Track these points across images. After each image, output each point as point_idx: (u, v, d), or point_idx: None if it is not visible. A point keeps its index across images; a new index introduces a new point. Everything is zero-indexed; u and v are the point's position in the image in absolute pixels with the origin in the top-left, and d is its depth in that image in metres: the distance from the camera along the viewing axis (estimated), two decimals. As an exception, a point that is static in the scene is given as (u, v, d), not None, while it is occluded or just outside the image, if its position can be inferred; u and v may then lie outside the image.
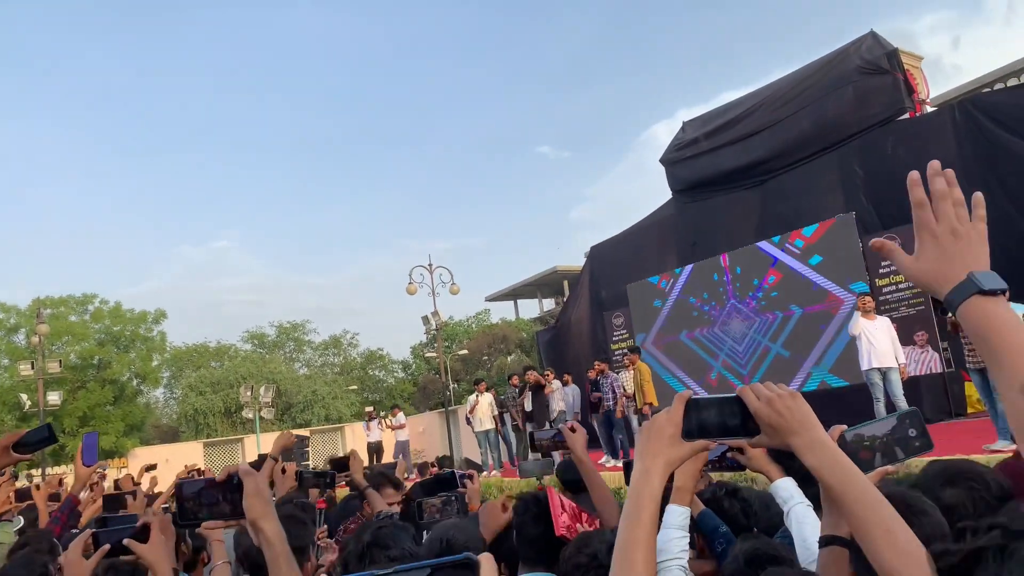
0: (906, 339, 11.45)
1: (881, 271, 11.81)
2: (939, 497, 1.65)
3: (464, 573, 0.75)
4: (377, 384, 46.21)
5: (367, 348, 47.48)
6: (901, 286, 11.57)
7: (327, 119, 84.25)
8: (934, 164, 1.09)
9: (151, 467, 6.07)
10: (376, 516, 3.95)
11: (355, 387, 41.11)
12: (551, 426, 13.04)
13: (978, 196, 1.09)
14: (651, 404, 11.50)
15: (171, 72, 72.01)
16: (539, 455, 3.88)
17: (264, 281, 77.17)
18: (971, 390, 10.46)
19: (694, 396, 1.24)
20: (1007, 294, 1.00)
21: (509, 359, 37.43)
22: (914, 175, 1.09)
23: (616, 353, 16.59)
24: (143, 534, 1.95)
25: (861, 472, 1.13)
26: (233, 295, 74.34)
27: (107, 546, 1.96)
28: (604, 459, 11.94)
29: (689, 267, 15.52)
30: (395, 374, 47.63)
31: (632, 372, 12.14)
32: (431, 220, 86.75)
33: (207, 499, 1.64)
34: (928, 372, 11.08)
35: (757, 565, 1.74)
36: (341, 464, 5.11)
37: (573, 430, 3.03)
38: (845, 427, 1.33)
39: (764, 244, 13.84)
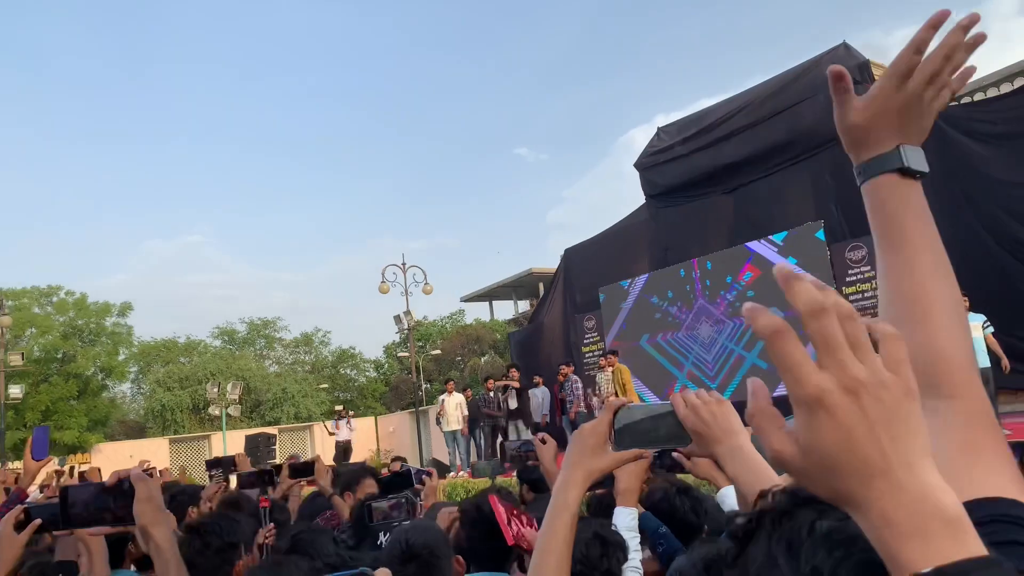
0: (872, 347, 11.58)
1: (848, 279, 11.93)
2: None
3: None
4: (348, 383, 45.87)
5: (339, 346, 47.19)
6: (868, 294, 11.70)
7: (302, 116, 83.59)
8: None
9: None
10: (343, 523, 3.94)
11: (326, 386, 40.79)
12: (535, 428, 13.05)
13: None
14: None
15: (145, 62, 71.10)
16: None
17: (236, 277, 76.44)
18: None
19: (627, 405, 1.22)
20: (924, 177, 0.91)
21: (483, 360, 37.35)
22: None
23: (587, 356, 16.60)
24: None
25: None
26: (204, 290, 73.54)
27: (38, 520, 1.93)
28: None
29: (659, 271, 15.50)
30: (367, 373, 47.35)
31: (610, 373, 12.13)
32: (407, 219, 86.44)
33: (96, 504, 1.59)
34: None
35: (716, 571, 1.72)
36: (305, 469, 5.05)
37: (544, 441, 3.02)
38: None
39: (734, 249, 13.83)
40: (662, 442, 1.24)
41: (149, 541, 1.52)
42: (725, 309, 13.95)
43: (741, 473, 1.13)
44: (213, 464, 6.10)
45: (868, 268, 11.65)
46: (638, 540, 1.98)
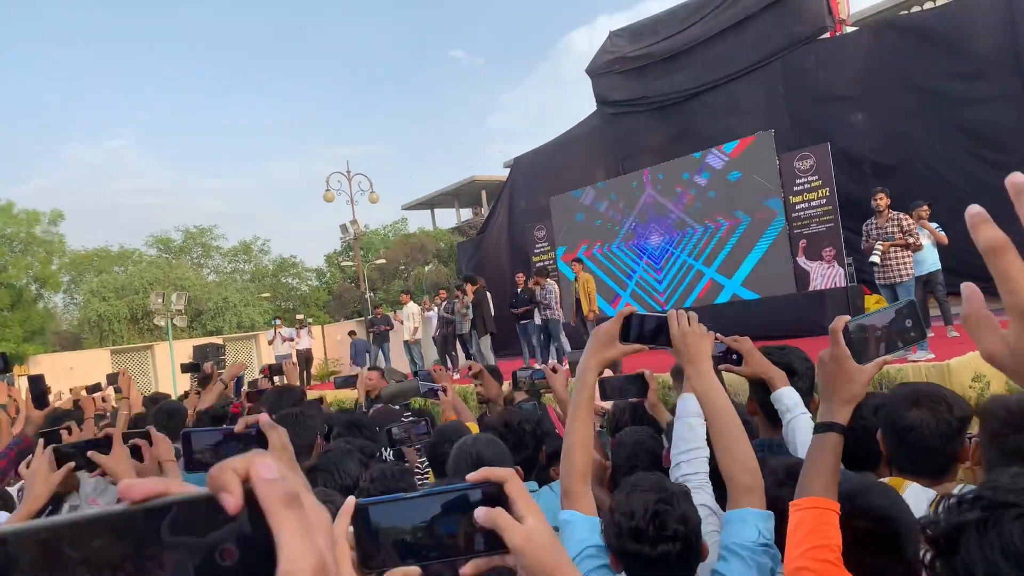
0: (815, 254, 12.09)
1: (796, 188, 12.27)
2: (904, 417, 1.82)
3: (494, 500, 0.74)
4: (290, 292, 45.39)
5: (279, 255, 46.37)
6: (813, 203, 12.08)
7: (229, 15, 79.35)
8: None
9: (94, 388, 5.57)
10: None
11: (267, 295, 40.29)
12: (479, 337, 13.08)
13: None
14: (595, 312, 11.67)
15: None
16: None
17: (163, 184, 73.88)
18: (870, 304, 11.20)
19: (636, 313, 1.58)
20: None
21: (427, 269, 37.34)
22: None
23: (538, 265, 16.78)
24: (104, 447, 1.86)
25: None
26: (130, 197, 70.89)
27: (72, 464, 1.84)
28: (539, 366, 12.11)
29: (610, 180, 15.66)
30: (309, 282, 46.85)
31: (579, 281, 12.19)
32: (337, 125, 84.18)
33: (225, 452, 1.56)
34: (833, 286, 11.75)
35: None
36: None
37: (555, 371, 3.09)
38: (848, 317, 1.36)
39: (685, 159, 14.07)
40: (657, 343, 1.60)
41: None
42: (672, 221, 14.23)
43: (704, 390, 1.57)
44: (188, 368, 6.27)
45: (815, 177, 11.98)
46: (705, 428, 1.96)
